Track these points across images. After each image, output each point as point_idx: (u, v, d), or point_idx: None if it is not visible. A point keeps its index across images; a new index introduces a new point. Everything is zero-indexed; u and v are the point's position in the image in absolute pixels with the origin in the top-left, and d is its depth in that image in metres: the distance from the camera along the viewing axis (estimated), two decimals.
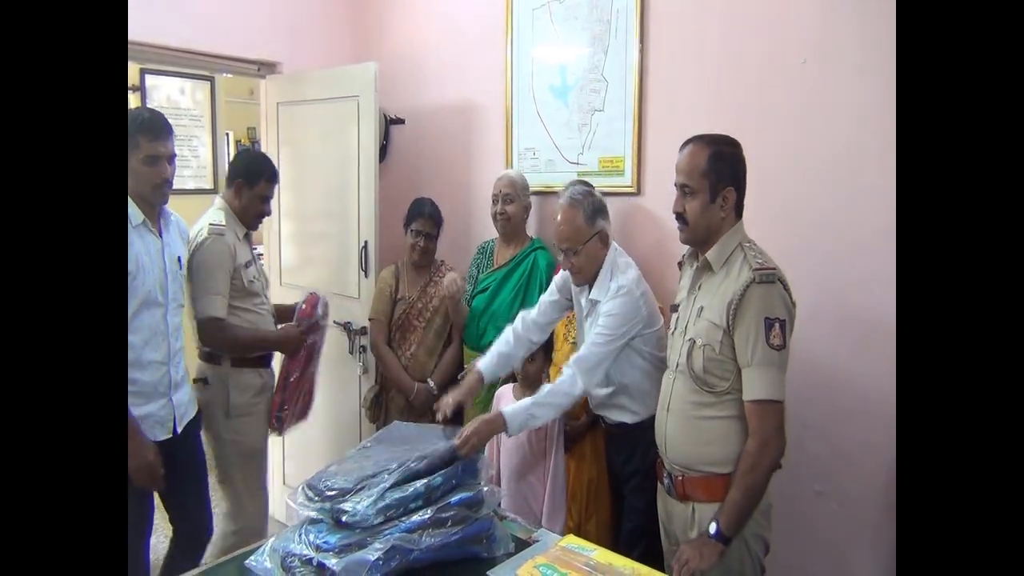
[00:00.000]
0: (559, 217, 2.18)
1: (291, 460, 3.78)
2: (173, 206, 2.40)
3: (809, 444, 2.23)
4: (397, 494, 1.58)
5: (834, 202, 2.23)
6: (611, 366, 2.11)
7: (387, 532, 1.52)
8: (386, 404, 3.07)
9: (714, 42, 2.47)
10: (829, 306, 2.20)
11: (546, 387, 2.05)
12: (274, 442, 3.83)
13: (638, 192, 2.70)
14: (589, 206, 2.15)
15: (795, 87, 2.28)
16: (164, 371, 2.26)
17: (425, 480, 1.62)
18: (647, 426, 2.12)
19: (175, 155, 2.26)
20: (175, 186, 3.03)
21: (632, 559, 1.57)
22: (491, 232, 3.02)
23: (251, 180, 2.66)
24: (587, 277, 2.18)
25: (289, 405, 2.76)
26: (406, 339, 2.99)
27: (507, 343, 2.27)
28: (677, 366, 1.85)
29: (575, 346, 2.46)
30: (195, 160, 5.16)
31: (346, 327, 3.34)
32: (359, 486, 1.59)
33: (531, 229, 3.00)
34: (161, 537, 2.93)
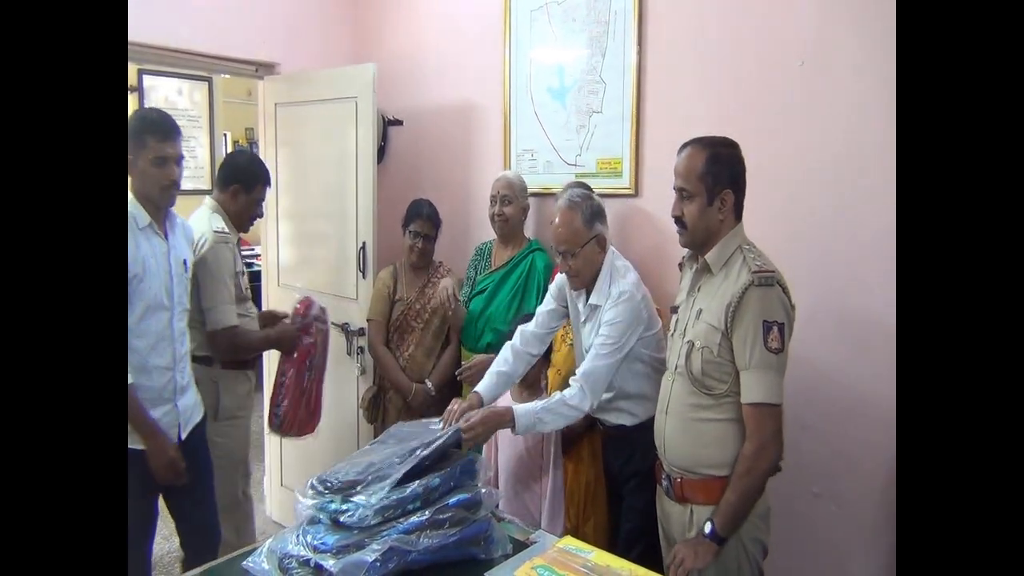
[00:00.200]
0: (557, 219, 2.17)
1: (289, 461, 3.78)
2: None
3: (807, 445, 2.23)
4: (395, 495, 1.58)
5: (832, 203, 2.23)
6: None
7: (385, 533, 1.52)
8: (384, 405, 3.07)
9: (712, 44, 2.47)
10: (828, 307, 2.21)
11: (556, 395, 2.03)
12: (273, 443, 3.84)
13: (636, 194, 2.70)
14: (588, 209, 2.15)
15: (793, 88, 2.29)
16: (169, 376, 2.24)
17: (423, 481, 1.62)
18: (646, 427, 2.12)
19: (183, 157, 2.24)
20: None
21: (630, 560, 1.57)
22: (489, 233, 3.02)
23: (249, 184, 2.65)
24: (584, 281, 2.17)
25: (289, 405, 2.74)
26: (404, 340, 2.99)
27: (506, 362, 2.24)
28: (676, 368, 1.85)
29: (572, 348, 2.46)
30: (192, 161, 5.16)
31: (344, 328, 3.34)
32: (368, 477, 1.59)
33: (529, 230, 3.00)
34: (158, 539, 2.93)
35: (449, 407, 2.04)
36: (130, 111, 2.23)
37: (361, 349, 3.28)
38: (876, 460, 2.17)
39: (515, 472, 2.31)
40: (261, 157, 3.48)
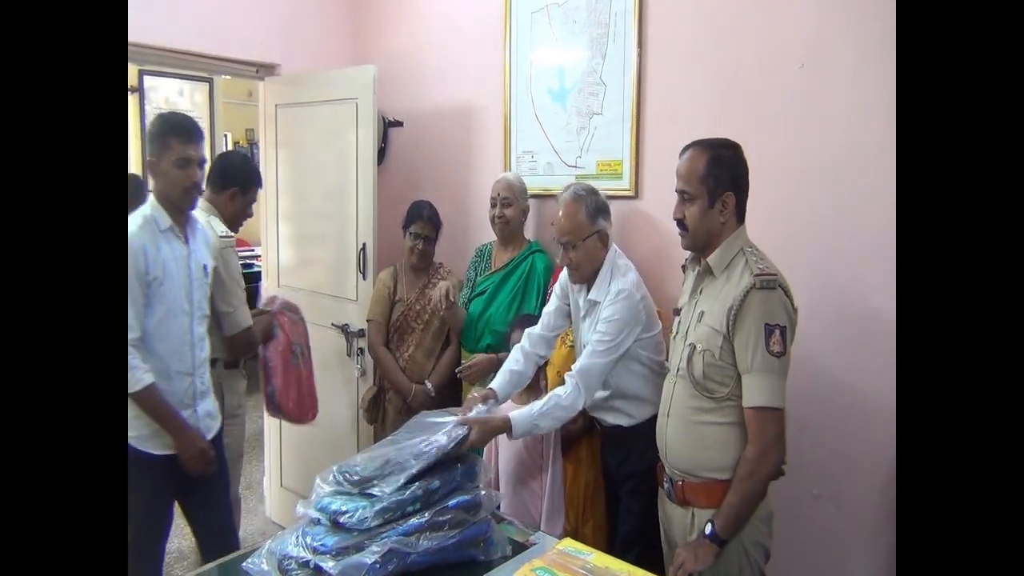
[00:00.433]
0: (561, 211, 2.18)
1: (289, 462, 3.78)
2: None
3: (807, 446, 2.23)
4: (395, 496, 1.58)
5: (832, 204, 2.23)
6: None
7: (384, 535, 1.52)
8: (384, 406, 3.07)
9: (712, 46, 2.47)
10: (827, 308, 2.21)
11: (551, 397, 2.04)
12: (273, 444, 3.84)
13: (636, 195, 2.70)
14: (592, 204, 2.16)
15: (793, 90, 2.29)
16: (189, 382, 2.25)
17: (423, 483, 1.63)
18: (643, 429, 2.12)
19: (205, 160, 2.26)
20: None
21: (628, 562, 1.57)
22: (489, 235, 3.02)
23: (246, 186, 2.68)
24: (583, 275, 2.18)
25: (282, 385, 2.80)
26: (404, 341, 3.00)
27: (517, 362, 2.26)
28: (678, 371, 1.85)
29: (572, 348, 2.46)
30: None
31: (344, 329, 3.34)
32: (385, 471, 1.61)
33: (529, 232, 3.00)
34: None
35: (469, 398, 2.09)
36: (129, 112, 2.24)
37: (361, 350, 3.28)
38: (876, 461, 2.17)
39: (515, 474, 2.31)
40: (260, 157, 3.49)
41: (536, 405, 2.04)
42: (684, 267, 2.02)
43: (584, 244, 2.14)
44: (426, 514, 1.58)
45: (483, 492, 1.72)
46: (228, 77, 4.32)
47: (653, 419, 2.07)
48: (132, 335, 2.07)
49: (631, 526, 2.19)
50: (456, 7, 3.36)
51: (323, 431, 3.51)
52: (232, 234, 2.56)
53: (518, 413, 2.01)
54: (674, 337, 1.93)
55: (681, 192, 1.82)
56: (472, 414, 1.94)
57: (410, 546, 1.53)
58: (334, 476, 1.65)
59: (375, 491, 1.57)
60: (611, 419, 2.22)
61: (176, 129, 2.18)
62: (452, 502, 1.63)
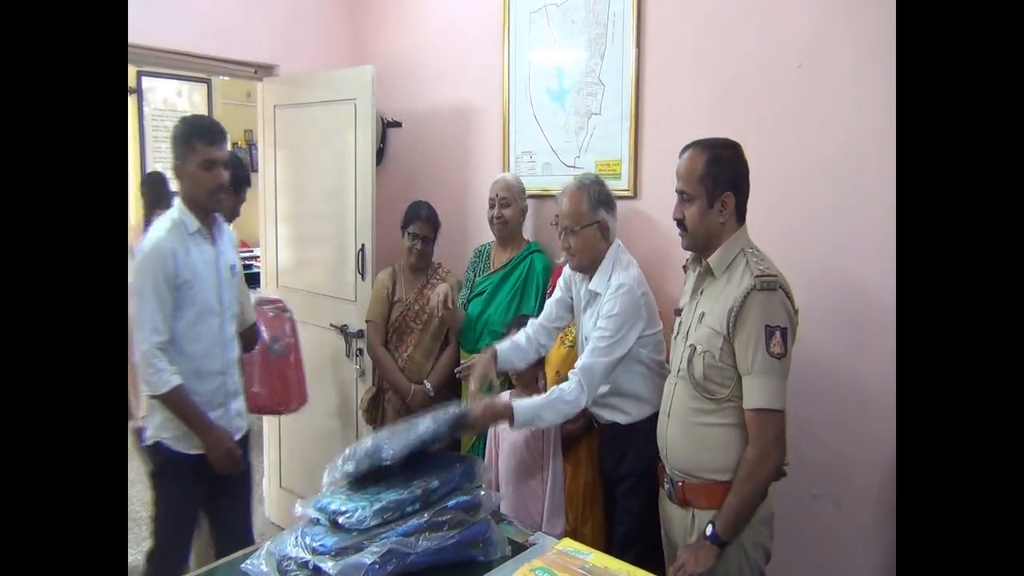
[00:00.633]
0: (565, 198, 2.20)
1: (288, 463, 3.78)
2: None
3: (805, 447, 2.23)
4: (394, 496, 1.58)
5: (831, 204, 2.23)
6: None
7: (383, 536, 1.52)
8: (383, 406, 3.06)
9: (710, 46, 2.48)
10: (826, 308, 2.21)
11: (554, 391, 2.04)
12: (272, 445, 3.84)
13: (635, 196, 2.70)
14: (595, 193, 2.17)
15: (791, 90, 2.29)
16: (221, 381, 2.29)
17: (422, 483, 1.62)
18: (640, 428, 2.12)
19: (229, 162, 2.29)
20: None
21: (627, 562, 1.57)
22: (488, 235, 3.02)
23: (238, 188, 2.72)
24: (580, 263, 2.19)
25: (260, 386, 2.83)
26: (403, 341, 2.99)
27: (523, 338, 2.28)
28: (678, 371, 1.85)
29: (571, 349, 2.46)
30: None
31: (343, 330, 3.34)
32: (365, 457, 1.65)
33: (527, 232, 3.00)
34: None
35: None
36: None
37: (360, 351, 3.28)
38: (875, 460, 2.17)
39: (515, 474, 2.31)
40: (258, 158, 3.49)
41: (539, 398, 2.04)
42: (685, 267, 2.02)
43: (583, 232, 2.15)
44: (425, 514, 1.58)
45: (482, 492, 1.72)
46: (226, 78, 4.32)
47: (651, 418, 2.07)
48: (159, 339, 2.12)
49: (629, 526, 2.19)
50: (454, 7, 3.36)
51: (322, 432, 3.51)
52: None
53: (521, 402, 2.01)
54: (675, 338, 1.93)
55: (680, 192, 1.82)
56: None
57: (409, 546, 1.52)
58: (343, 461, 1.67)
59: (359, 502, 1.56)
60: (608, 416, 2.22)
61: (200, 132, 2.21)
62: (451, 502, 1.63)
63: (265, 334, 2.81)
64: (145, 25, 2.93)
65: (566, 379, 2.06)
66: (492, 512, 1.74)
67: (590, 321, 2.16)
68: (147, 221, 3.57)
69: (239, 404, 2.38)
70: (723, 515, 1.71)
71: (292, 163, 3.59)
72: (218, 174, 2.21)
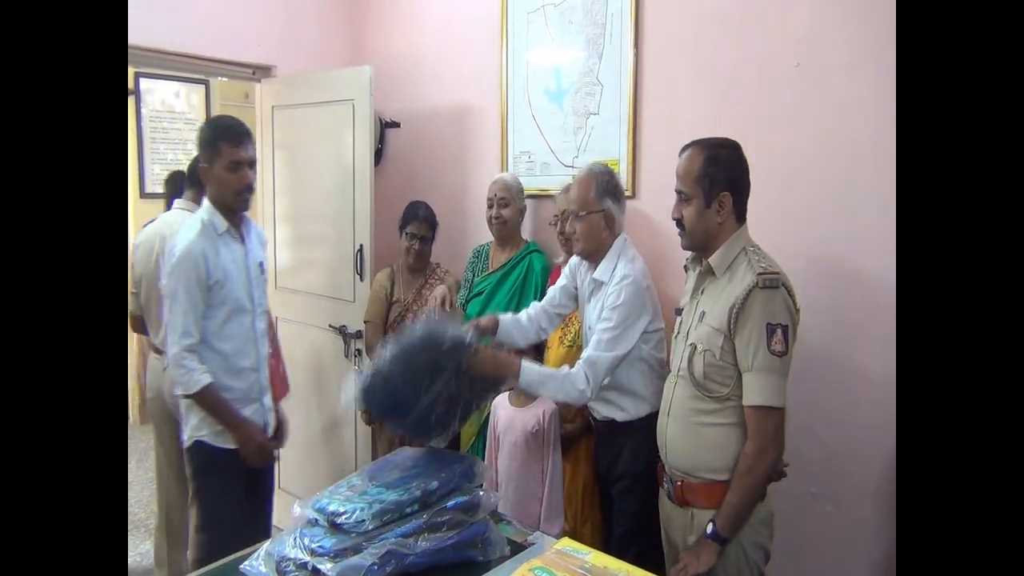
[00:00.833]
0: (574, 183, 2.22)
1: (286, 464, 3.77)
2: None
3: (804, 446, 2.23)
4: (393, 497, 1.57)
5: (829, 203, 2.23)
6: None
7: (382, 537, 1.51)
8: None
9: (708, 45, 2.48)
10: (824, 306, 2.21)
11: (564, 370, 2.04)
12: None
13: (633, 195, 2.70)
14: (604, 183, 2.17)
15: (789, 89, 2.29)
16: (255, 377, 2.36)
17: (421, 484, 1.62)
18: (637, 427, 2.12)
19: (255, 161, 2.32)
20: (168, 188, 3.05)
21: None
22: (486, 236, 3.02)
23: None
24: (583, 249, 2.19)
25: None
26: None
27: (525, 317, 2.29)
28: (678, 371, 1.85)
29: (570, 349, 2.46)
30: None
31: (341, 330, 3.34)
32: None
33: (526, 232, 3.00)
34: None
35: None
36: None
37: (359, 351, 3.28)
38: (873, 459, 2.17)
39: (514, 474, 2.31)
40: (257, 159, 3.49)
41: (549, 368, 2.05)
42: (686, 267, 2.02)
43: (588, 218, 2.15)
44: (424, 515, 1.58)
45: (481, 492, 1.71)
46: (224, 79, 4.32)
47: (649, 418, 2.07)
48: (190, 341, 2.18)
49: (626, 527, 2.19)
50: (452, 8, 3.36)
51: (321, 433, 3.51)
52: None
53: (530, 363, 2.00)
54: (675, 337, 1.93)
55: (679, 192, 1.82)
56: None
57: (408, 547, 1.52)
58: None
59: (358, 502, 1.55)
60: (604, 411, 2.21)
61: (225, 133, 2.24)
62: (450, 503, 1.63)
63: None
64: (143, 26, 2.93)
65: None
66: (491, 512, 1.74)
67: (594, 311, 2.15)
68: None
69: (268, 399, 2.44)
70: (723, 512, 1.72)
71: (290, 164, 3.58)
72: (244, 175, 2.25)
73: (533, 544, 1.75)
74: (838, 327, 2.22)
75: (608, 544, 2.24)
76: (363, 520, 1.51)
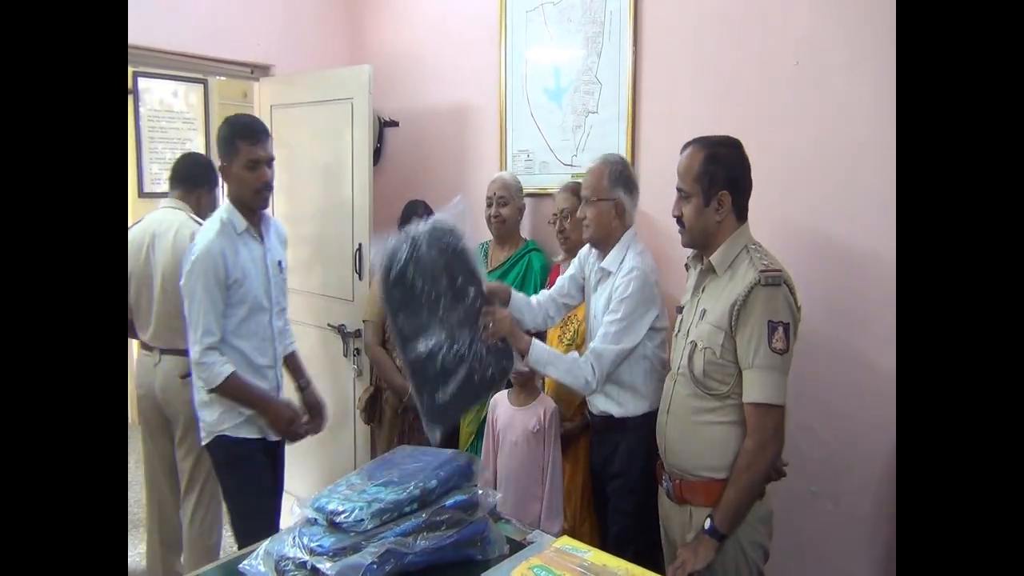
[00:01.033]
0: (588, 172, 2.23)
1: (287, 464, 3.76)
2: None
3: (804, 444, 2.24)
4: (392, 496, 1.57)
5: (828, 201, 2.23)
6: None
7: (381, 536, 1.51)
8: (381, 406, 3.06)
9: (707, 44, 2.48)
10: (823, 306, 2.21)
11: (573, 356, 2.06)
12: None
13: None
14: (616, 172, 2.18)
15: (789, 88, 2.29)
16: (273, 374, 2.40)
17: (420, 483, 1.62)
18: (633, 425, 2.12)
19: (273, 158, 2.33)
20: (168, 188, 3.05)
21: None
22: (485, 234, 3.02)
23: (212, 186, 2.81)
24: (592, 236, 2.19)
25: None
26: None
27: (534, 300, 2.28)
28: (679, 368, 1.85)
29: (569, 347, 2.46)
30: None
31: (340, 330, 3.33)
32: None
33: (525, 231, 3.00)
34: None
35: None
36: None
37: (358, 351, 3.28)
38: (873, 457, 2.17)
39: (514, 473, 2.31)
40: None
41: (557, 351, 2.05)
42: (687, 265, 2.02)
43: (598, 204, 2.16)
44: (423, 514, 1.58)
45: (480, 491, 1.71)
46: (223, 78, 4.31)
47: (646, 416, 2.07)
48: (212, 340, 2.20)
49: (622, 525, 2.18)
50: (451, 6, 3.36)
51: (321, 433, 3.50)
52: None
53: (539, 344, 2.02)
54: (676, 335, 1.93)
55: (679, 189, 1.83)
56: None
57: (407, 546, 1.52)
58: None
59: (356, 502, 1.55)
60: (601, 404, 2.21)
61: (243, 132, 2.25)
62: (449, 502, 1.63)
63: None
64: (141, 25, 2.92)
65: (566, 384, 2.07)
66: (490, 510, 1.74)
67: (600, 300, 2.15)
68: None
69: (282, 395, 2.49)
70: (721, 508, 1.72)
71: (289, 163, 3.58)
72: (263, 173, 2.27)
73: (532, 543, 1.75)
74: (839, 325, 2.22)
75: (605, 542, 2.24)
76: (362, 519, 1.51)
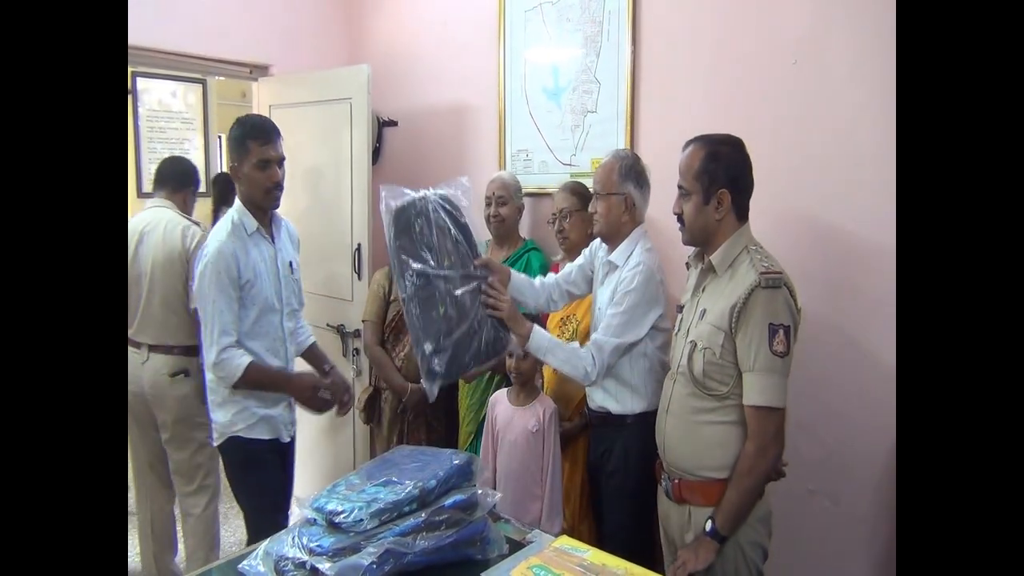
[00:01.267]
0: (599, 165, 2.23)
1: None
2: None
3: (803, 444, 2.24)
4: (391, 496, 1.57)
5: (828, 201, 2.23)
6: None
7: (381, 536, 1.51)
8: (380, 406, 3.06)
9: (706, 43, 2.48)
10: (822, 305, 2.21)
11: (574, 345, 2.06)
12: None
13: None
14: (627, 166, 2.19)
15: (787, 87, 2.29)
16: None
17: (419, 483, 1.62)
18: (630, 424, 2.11)
19: (284, 158, 2.32)
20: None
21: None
22: (484, 234, 3.01)
23: (196, 187, 2.86)
24: (601, 229, 2.20)
25: None
26: (400, 340, 2.99)
27: (538, 281, 2.27)
28: (678, 368, 1.85)
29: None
30: None
31: (340, 330, 3.33)
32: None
33: (524, 230, 3.00)
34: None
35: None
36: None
37: (357, 350, 3.28)
38: (872, 456, 2.17)
39: (513, 473, 2.31)
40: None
41: (558, 340, 2.05)
42: (688, 264, 2.02)
43: (607, 198, 2.17)
44: (422, 514, 1.57)
45: (479, 491, 1.71)
46: (222, 78, 4.31)
47: (644, 416, 2.07)
48: (229, 339, 2.20)
49: (619, 525, 2.18)
50: (450, 6, 3.36)
51: (319, 432, 3.50)
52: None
53: (540, 331, 2.02)
54: (676, 334, 1.93)
55: (680, 187, 1.83)
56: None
57: (407, 546, 1.52)
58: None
59: (355, 501, 1.55)
60: (599, 399, 2.21)
61: (253, 132, 2.26)
62: (448, 502, 1.63)
63: None
64: (139, 25, 2.92)
65: (566, 382, 2.06)
66: (489, 510, 1.74)
67: (605, 293, 2.15)
68: (215, 217, 3.67)
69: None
70: (722, 510, 1.72)
71: (288, 163, 3.56)
72: (273, 173, 2.27)
73: (532, 542, 1.75)
74: (838, 326, 2.22)
75: (602, 542, 2.24)
76: (361, 519, 1.51)
